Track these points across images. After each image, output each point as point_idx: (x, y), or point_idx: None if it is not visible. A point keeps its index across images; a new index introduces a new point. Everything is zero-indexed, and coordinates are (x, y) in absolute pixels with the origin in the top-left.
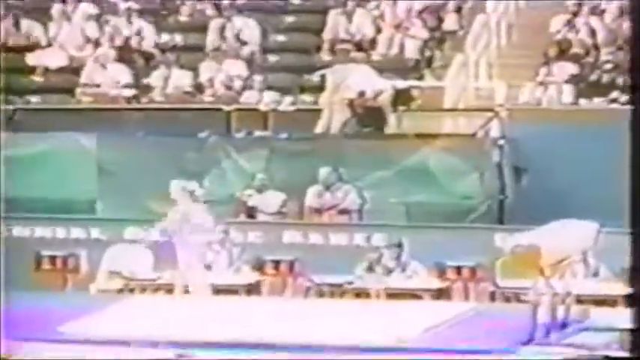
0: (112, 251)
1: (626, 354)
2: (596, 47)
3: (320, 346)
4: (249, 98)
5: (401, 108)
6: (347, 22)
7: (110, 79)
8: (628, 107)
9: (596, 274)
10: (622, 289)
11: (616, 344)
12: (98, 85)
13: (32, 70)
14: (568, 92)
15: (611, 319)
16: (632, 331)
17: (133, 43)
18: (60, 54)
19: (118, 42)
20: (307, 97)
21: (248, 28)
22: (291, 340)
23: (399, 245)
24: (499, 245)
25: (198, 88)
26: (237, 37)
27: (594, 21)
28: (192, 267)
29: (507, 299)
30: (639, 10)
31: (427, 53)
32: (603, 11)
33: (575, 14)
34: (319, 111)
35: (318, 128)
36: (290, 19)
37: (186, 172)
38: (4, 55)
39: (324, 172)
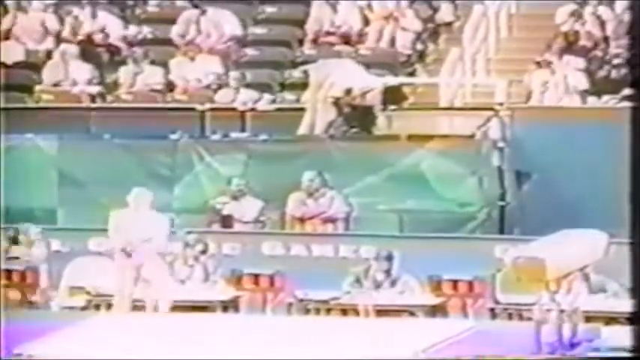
0: (75, 264)
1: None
2: (606, 40)
3: None
4: (224, 96)
5: (391, 107)
6: (332, 13)
7: (72, 75)
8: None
9: (605, 290)
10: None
11: None
12: (59, 83)
13: None
14: (574, 89)
15: (624, 338)
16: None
17: (98, 36)
18: (16, 48)
19: (81, 35)
20: (289, 95)
21: (223, 19)
22: None
23: (389, 257)
24: (500, 257)
25: (169, 85)
26: (212, 30)
27: (603, 11)
28: (152, 282)
29: (509, 316)
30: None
31: (420, 47)
32: (613, 0)
33: (583, 4)
34: (302, 110)
35: (301, 129)
36: (270, 9)
37: (156, 178)
38: None
39: (307, 177)
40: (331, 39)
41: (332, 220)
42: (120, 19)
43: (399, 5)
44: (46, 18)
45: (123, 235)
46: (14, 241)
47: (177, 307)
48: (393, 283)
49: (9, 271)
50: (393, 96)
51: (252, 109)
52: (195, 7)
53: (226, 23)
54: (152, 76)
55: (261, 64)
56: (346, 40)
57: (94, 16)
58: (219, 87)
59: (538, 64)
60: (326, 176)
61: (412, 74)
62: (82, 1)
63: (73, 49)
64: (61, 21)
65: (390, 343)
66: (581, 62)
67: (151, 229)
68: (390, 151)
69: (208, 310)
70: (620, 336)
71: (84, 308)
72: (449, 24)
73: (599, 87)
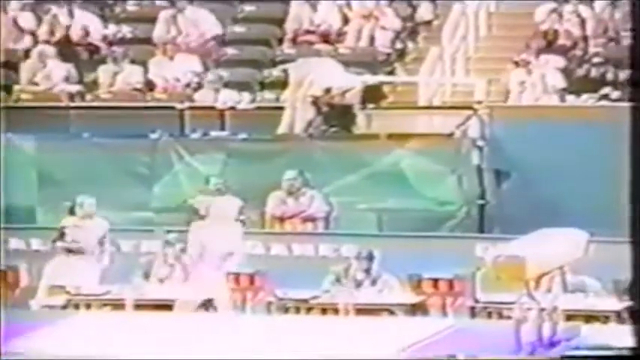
0: (55, 263)
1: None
2: (585, 39)
3: None
4: (204, 95)
5: (371, 106)
6: (311, 12)
7: (51, 74)
8: (620, 104)
9: (585, 288)
10: (614, 304)
11: None
12: (38, 82)
13: None
14: (553, 88)
15: (603, 336)
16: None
17: (77, 34)
18: None
19: (60, 34)
20: (268, 94)
21: (202, 18)
22: None
23: (370, 256)
24: (480, 256)
25: (149, 84)
26: (191, 29)
27: (583, 10)
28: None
29: (489, 315)
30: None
31: (399, 46)
32: None
33: (562, 2)
34: (281, 109)
35: (280, 128)
36: (249, 8)
37: (135, 176)
38: None
39: (288, 176)
40: (310, 38)
41: (312, 219)
42: (99, 18)
43: (379, 4)
44: (24, 17)
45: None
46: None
47: (157, 306)
48: (373, 282)
49: None
50: (372, 95)
51: (232, 108)
52: (174, 5)
53: (205, 22)
54: (131, 75)
55: (241, 63)
56: (326, 39)
57: (72, 15)
58: (199, 86)
59: (517, 62)
60: (306, 175)
61: (391, 73)
62: (61, 0)
63: (52, 48)
64: (40, 20)
65: (369, 342)
66: (560, 61)
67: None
68: (369, 150)
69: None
70: (599, 334)
71: (64, 307)
72: (428, 23)
73: (578, 86)
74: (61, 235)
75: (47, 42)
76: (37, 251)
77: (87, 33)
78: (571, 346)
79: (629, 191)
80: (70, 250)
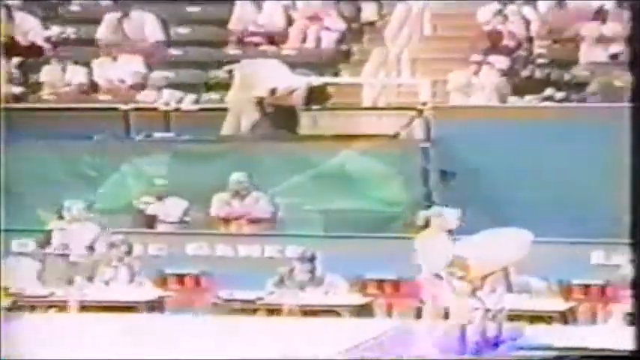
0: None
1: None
2: (530, 40)
3: None
4: (148, 96)
5: (316, 107)
6: (256, 13)
7: None
8: (564, 105)
9: (529, 288)
10: (558, 304)
11: None
12: None
13: None
14: (498, 89)
15: (547, 336)
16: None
17: (19, 35)
18: None
19: (3, 35)
20: (213, 95)
21: (146, 19)
22: None
23: (313, 258)
24: None
25: (93, 85)
26: (135, 30)
27: (527, 11)
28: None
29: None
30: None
31: (344, 47)
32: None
33: (506, 3)
34: (226, 110)
35: (225, 129)
36: (193, 9)
37: (81, 178)
38: None
39: (234, 177)
40: (256, 39)
41: (257, 221)
42: (42, 19)
43: (324, 5)
44: None
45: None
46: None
47: (103, 308)
48: (319, 283)
49: None
50: (317, 96)
51: (176, 109)
52: (119, 6)
53: (149, 23)
54: (75, 77)
55: (185, 64)
56: (271, 39)
57: (15, 16)
58: (143, 87)
59: (462, 63)
60: (251, 176)
61: (337, 74)
62: (2, 1)
63: None
64: None
65: (315, 343)
66: (504, 62)
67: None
68: (314, 151)
69: (133, 310)
70: (543, 334)
71: (9, 310)
72: (373, 23)
73: (522, 86)
74: (47, 239)
75: None
76: None
77: (30, 34)
78: (515, 346)
79: (630, 192)
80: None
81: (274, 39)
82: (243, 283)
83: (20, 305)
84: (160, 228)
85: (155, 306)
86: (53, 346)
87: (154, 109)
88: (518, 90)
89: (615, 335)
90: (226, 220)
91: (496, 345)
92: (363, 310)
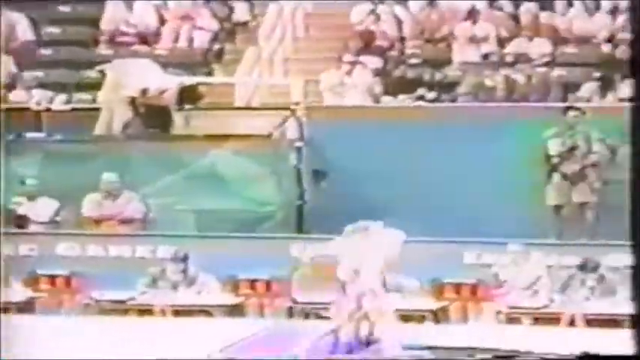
0: None
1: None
2: (402, 40)
3: None
4: (19, 96)
5: (188, 106)
6: (127, 12)
7: None
8: (436, 105)
9: (401, 288)
10: (430, 303)
11: None
12: None
13: None
14: (371, 89)
15: (419, 335)
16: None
17: None
18: None
19: None
20: (84, 95)
21: (17, 19)
22: None
23: (186, 257)
24: (297, 256)
25: None
26: (5, 30)
27: (399, 11)
28: None
29: (306, 315)
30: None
31: (216, 46)
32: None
33: (378, 3)
34: (98, 110)
35: (97, 129)
36: (64, 9)
37: None
38: None
39: (105, 177)
40: (127, 39)
41: (129, 221)
42: None
43: (195, 5)
44: None
45: None
46: None
47: None
48: (191, 283)
49: None
50: (189, 95)
51: (48, 109)
52: None
53: (19, 23)
54: None
55: (57, 63)
56: (143, 39)
57: None
58: (13, 87)
59: (335, 63)
60: (123, 176)
61: (209, 74)
62: None
63: None
64: None
65: (187, 343)
66: (377, 62)
67: None
68: (187, 150)
69: (3, 312)
70: (415, 333)
71: None
72: (245, 23)
73: (394, 86)
74: None
75: None
76: None
77: None
78: (387, 346)
79: (630, 192)
80: None
81: (146, 39)
82: (114, 283)
83: None
84: (31, 228)
85: (25, 307)
86: None
87: (25, 109)
88: (391, 90)
89: (486, 333)
90: (98, 221)
91: (368, 344)
92: (236, 310)
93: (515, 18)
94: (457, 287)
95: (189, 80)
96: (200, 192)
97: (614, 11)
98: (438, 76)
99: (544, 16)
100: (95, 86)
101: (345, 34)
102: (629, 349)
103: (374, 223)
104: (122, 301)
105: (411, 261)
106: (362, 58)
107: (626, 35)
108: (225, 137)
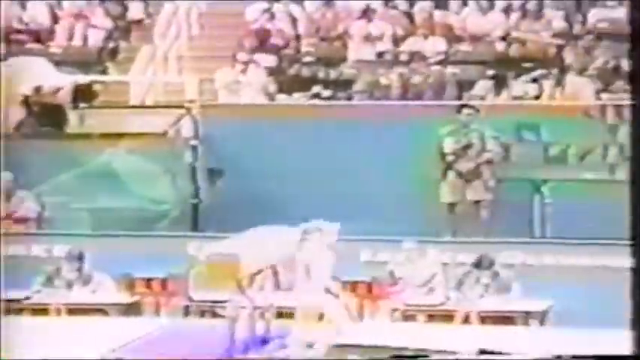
0: None
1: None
2: (297, 38)
3: None
4: None
5: (83, 105)
6: (20, 10)
7: None
8: (331, 102)
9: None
10: (326, 301)
11: None
12: None
13: None
14: (267, 87)
15: (314, 333)
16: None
17: None
18: None
19: None
20: None
21: None
22: None
23: (81, 256)
24: (193, 254)
25: None
26: None
27: (294, 9)
28: None
29: (202, 314)
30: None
31: (111, 45)
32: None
33: (274, 1)
34: None
35: None
36: None
37: None
38: None
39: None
40: (21, 37)
41: (23, 220)
42: None
43: (90, 3)
44: None
45: None
46: None
47: None
48: (86, 282)
49: None
50: (84, 94)
51: None
52: None
53: None
54: None
55: None
56: (37, 37)
57: None
58: None
59: (230, 61)
60: (17, 175)
61: (104, 72)
62: None
63: None
64: None
65: (82, 343)
66: (272, 60)
67: None
68: (82, 149)
69: None
70: (311, 332)
71: None
72: (139, 21)
73: (289, 84)
74: None
75: None
76: None
77: None
78: (282, 344)
79: (630, 192)
80: None
81: (40, 37)
82: (9, 282)
83: None
84: None
85: None
86: None
87: None
88: (286, 88)
89: (382, 331)
90: None
91: (264, 342)
92: (132, 309)
93: (410, 16)
94: (353, 285)
95: (83, 79)
96: (95, 190)
97: (507, 10)
98: (333, 74)
99: (439, 15)
100: None
101: (240, 33)
102: (523, 346)
103: (328, 224)
104: (17, 300)
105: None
106: (257, 57)
107: (520, 34)
108: (120, 136)
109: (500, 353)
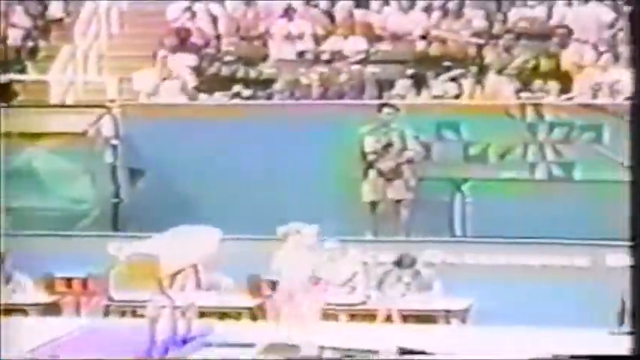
0: None
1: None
2: (218, 37)
3: None
4: None
5: (2, 104)
6: None
7: None
8: (251, 102)
9: (219, 285)
10: (246, 300)
11: None
12: None
13: None
14: (187, 86)
15: (236, 333)
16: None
17: None
18: None
19: None
20: None
21: None
22: None
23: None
24: (113, 254)
25: None
26: None
27: (215, 8)
28: None
29: (123, 313)
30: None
31: (30, 44)
32: None
33: (195, 1)
34: None
35: None
36: None
37: None
38: None
39: None
40: None
41: None
42: None
43: (9, 3)
44: None
45: None
46: None
47: None
48: (6, 282)
49: None
50: (3, 93)
51: None
52: None
53: None
54: None
55: None
56: None
57: None
58: None
59: (150, 60)
60: None
61: (22, 71)
62: None
63: None
64: None
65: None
66: (192, 59)
67: None
68: (2, 149)
69: None
70: (233, 331)
71: None
72: (59, 20)
73: (210, 84)
74: None
75: None
76: None
77: None
78: (204, 343)
79: (629, 193)
80: None
81: None
82: None
83: None
84: None
85: None
86: None
87: None
88: (207, 87)
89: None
90: None
91: (185, 342)
92: (51, 309)
93: (331, 16)
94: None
95: (2, 78)
96: (15, 190)
97: (428, 9)
98: (253, 73)
99: (359, 14)
100: None
101: (160, 32)
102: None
103: (307, 226)
104: None
105: (227, 259)
106: (177, 55)
107: (441, 33)
108: (40, 135)
109: (421, 353)
